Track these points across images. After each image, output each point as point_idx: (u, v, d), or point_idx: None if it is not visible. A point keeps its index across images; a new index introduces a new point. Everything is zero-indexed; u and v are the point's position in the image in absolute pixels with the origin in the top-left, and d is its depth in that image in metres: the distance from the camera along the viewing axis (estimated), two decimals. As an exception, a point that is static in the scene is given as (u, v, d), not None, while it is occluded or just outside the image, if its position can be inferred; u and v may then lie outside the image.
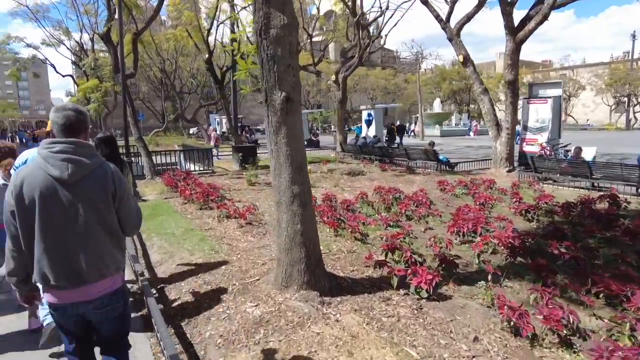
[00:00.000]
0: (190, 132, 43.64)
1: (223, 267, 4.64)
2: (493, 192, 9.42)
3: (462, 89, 70.42)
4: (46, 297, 1.98)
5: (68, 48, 27.21)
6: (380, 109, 22.10)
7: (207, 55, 14.69)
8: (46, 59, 27.79)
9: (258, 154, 15.11)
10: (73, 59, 28.82)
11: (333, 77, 19.63)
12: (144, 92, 43.98)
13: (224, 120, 40.61)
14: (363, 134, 21.96)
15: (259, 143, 29.68)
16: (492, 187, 9.77)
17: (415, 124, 57.96)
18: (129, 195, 2.07)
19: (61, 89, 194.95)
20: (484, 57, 74.32)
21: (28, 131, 46.58)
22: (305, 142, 26.38)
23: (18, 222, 1.86)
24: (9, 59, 25.85)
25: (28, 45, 26.05)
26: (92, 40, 26.79)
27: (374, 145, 17.36)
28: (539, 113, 14.14)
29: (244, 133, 32.82)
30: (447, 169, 14.24)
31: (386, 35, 19.52)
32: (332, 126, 56.37)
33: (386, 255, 4.45)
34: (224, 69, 17.00)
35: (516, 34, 11.86)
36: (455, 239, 5.65)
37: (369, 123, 21.55)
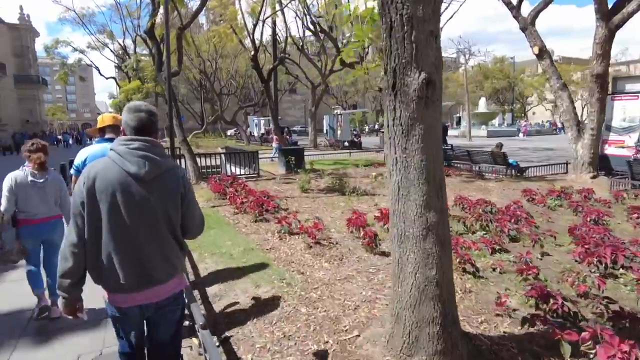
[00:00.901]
0: (228, 133, 43.54)
1: (303, 309, 3.54)
2: (592, 203, 7.89)
3: (505, 88, 67.09)
4: (111, 301, 1.86)
5: (112, 51, 27.49)
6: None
7: (252, 53, 13.86)
8: (91, 62, 28.11)
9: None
10: (116, 61, 29.05)
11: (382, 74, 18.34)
12: (182, 94, 44.27)
13: (262, 122, 40.22)
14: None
15: (298, 145, 28.96)
16: (590, 198, 8.23)
17: (458, 123, 55.58)
18: (194, 199, 2.04)
19: (104, 92, 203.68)
20: (525, 56, 70.23)
21: (74, 133, 48.11)
22: (347, 143, 25.45)
23: (86, 217, 1.76)
24: (55, 64, 26.38)
25: (75, 49, 26.44)
26: (134, 42, 26.88)
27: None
28: (627, 111, 12.31)
29: (284, 135, 32.14)
30: (517, 174, 12.65)
31: (441, 29, 17.91)
32: (370, 127, 55.02)
33: (537, 306, 3.19)
34: (269, 67, 16.12)
35: (610, 18, 10.17)
36: (592, 271, 4.31)
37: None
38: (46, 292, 3.70)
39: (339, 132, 26.45)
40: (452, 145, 20.51)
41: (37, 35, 47.47)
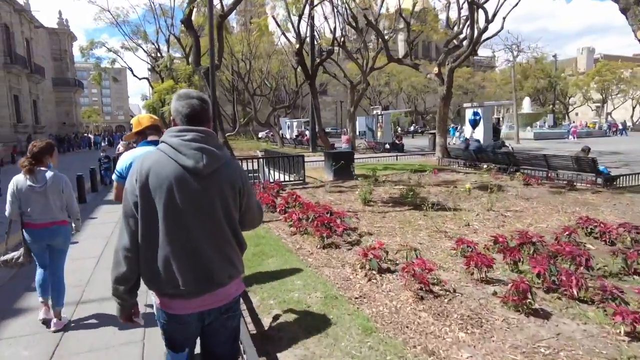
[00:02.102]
0: (260, 135, 42.59)
1: None
2: None
3: (546, 88, 63.45)
4: (166, 308, 1.64)
5: (145, 51, 26.90)
6: (489, 106, 18.53)
7: (297, 46, 12.49)
8: (125, 62, 27.66)
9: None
10: (149, 62, 28.50)
11: (435, 70, 16.59)
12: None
13: (295, 124, 38.99)
14: (465, 136, 18.63)
15: (336, 147, 27.40)
16: None
17: (499, 124, 52.53)
18: (253, 192, 1.84)
19: (136, 95, 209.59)
20: (562, 54, 66.42)
21: (106, 135, 48.44)
22: (388, 146, 23.73)
23: (140, 217, 1.58)
24: (91, 68, 26.11)
25: (109, 50, 25.99)
26: (167, 41, 26.18)
27: (496, 150, 14.02)
28: None
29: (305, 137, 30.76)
30: (607, 183, 10.63)
31: (504, 18, 16.03)
32: (409, 127, 52.96)
33: None
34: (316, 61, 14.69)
35: None
36: None
37: (474, 123, 18.17)
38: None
39: (379, 133, 24.78)
40: (512, 147, 18.49)
41: (74, 39, 48.17)
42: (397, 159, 18.06)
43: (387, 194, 9.27)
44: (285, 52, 29.86)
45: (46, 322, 3.48)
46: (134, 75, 27.99)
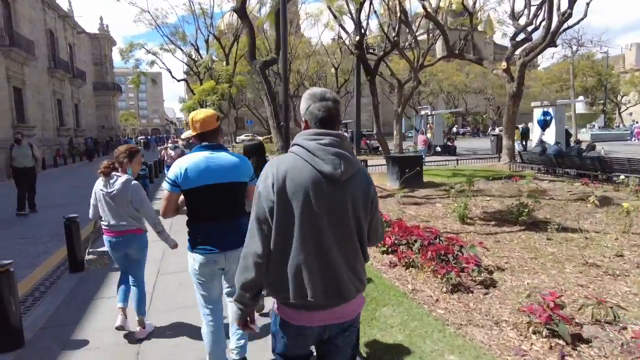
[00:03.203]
0: (295, 138, 41.57)
1: None
2: None
3: (594, 86, 59.39)
4: (290, 319, 1.56)
5: (184, 52, 26.36)
6: (561, 105, 16.55)
7: (357, 38, 11.18)
8: (164, 64, 27.22)
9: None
10: (188, 63, 27.95)
11: (503, 65, 14.86)
12: (249, 99, 43.13)
13: (333, 125, 37.70)
14: (535, 139, 16.73)
15: (379, 151, 25.84)
16: None
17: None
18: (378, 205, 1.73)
19: (171, 99, 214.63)
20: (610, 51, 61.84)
21: (141, 138, 48.69)
22: (439, 148, 22.00)
23: (275, 222, 1.50)
24: (128, 73, 25.99)
25: (148, 52, 25.63)
26: (206, 42, 25.51)
27: (584, 155, 12.16)
28: None
29: (363, 139, 29.29)
30: None
31: (588, 4, 14.11)
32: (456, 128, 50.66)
33: None
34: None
35: None
36: None
37: (543, 124, 16.26)
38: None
39: (428, 135, 23.07)
40: (603, 150, 16.37)
41: (114, 44, 48.90)
42: (457, 163, 16.39)
43: (479, 208, 7.77)
44: (326, 52, 28.67)
45: (121, 329, 3.34)
46: (172, 77, 27.59)
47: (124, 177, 3.23)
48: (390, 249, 5.08)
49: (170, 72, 27.23)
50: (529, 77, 59.65)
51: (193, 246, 2.46)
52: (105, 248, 3.35)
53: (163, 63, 29.10)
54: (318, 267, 1.50)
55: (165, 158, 10.76)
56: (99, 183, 3.24)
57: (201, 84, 23.95)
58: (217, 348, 2.56)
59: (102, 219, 3.25)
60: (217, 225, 2.42)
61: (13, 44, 24.81)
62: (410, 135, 29.11)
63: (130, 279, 3.40)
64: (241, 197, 2.52)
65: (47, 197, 11.25)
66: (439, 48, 45.99)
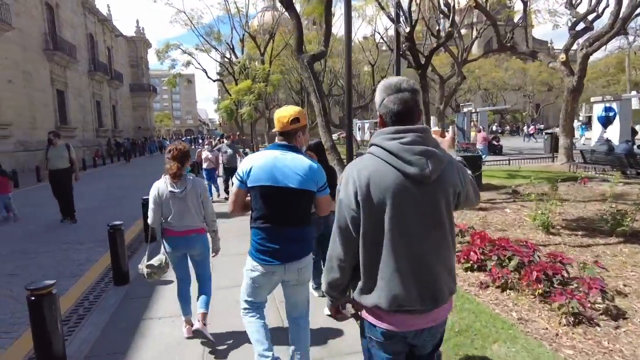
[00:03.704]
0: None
1: None
2: None
3: (647, 81, 55.52)
4: (384, 322, 1.50)
5: (219, 51, 26.26)
6: (627, 100, 15.11)
7: (407, 29, 10.43)
8: (199, 64, 27.25)
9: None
10: (223, 63, 27.86)
11: (562, 57, 13.66)
12: (281, 99, 42.89)
13: (367, 125, 36.87)
14: (594, 137, 15.39)
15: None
16: None
17: (586, 124, 46.48)
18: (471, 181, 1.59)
19: (204, 100, 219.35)
20: None
21: (175, 140, 49.36)
22: (484, 147, 20.79)
23: (362, 231, 1.46)
24: (163, 75, 26.21)
25: (184, 52, 25.70)
26: (241, 41, 25.27)
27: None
28: None
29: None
30: None
31: None
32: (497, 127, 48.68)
33: None
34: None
35: None
36: None
37: (605, 121, 14.91)
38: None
39: (472, 133, 21.89)
40: None
41: (149, 46, 49.95)
42: (509, 164, 15.28)
43: (555, 214, 6.87)
44: (362, 48, 27.90)
45: (200, 334, 3.19)
46: (208, 77, 27.55)
47: (192, 176, 3.21)
48: (476, 266, 4.34)
49: (206, 72, 27.13)
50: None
51: (253, 252, 2.32)
52: (160, 258, 3.22)
53: (198, 63, 29.24)
54: (412, 272, 1.43)
55: (202, 160, 10.09)
56: (164, 185, 3.10)
57: (236, 84, 23.72)
58: (262, 346, 2.39)
59: (166, 220, 3.12)
60: (276, 232, 2.25)
61: (57, 48, 25.51)
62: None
63: (197, 278, 3.35)
64: (306, 206, 2.31)
65: (87, 199, 11.12)
66: (475, 44, 44.32)
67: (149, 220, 3.17)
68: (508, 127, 56.08)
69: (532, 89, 53.81)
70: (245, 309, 2.46)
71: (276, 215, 2.24)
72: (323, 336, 3.19)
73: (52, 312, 2.74)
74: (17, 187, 14.12)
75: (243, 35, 25.00)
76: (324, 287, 1.64)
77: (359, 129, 36.87)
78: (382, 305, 1.45)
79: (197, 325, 3.18)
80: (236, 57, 25.27)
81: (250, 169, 2.26)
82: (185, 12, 25.52)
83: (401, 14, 11.30)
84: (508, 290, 3.81)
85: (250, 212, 2.35)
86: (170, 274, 3.46)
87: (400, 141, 1.40)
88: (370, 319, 1.53)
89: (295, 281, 2.37)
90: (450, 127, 18.39)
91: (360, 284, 1.50)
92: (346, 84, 5.02)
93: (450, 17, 13.20)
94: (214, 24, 61.02)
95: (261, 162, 2.25)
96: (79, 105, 29.96)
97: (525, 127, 41.22)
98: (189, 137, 59.47)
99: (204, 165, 10.08)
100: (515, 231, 5.99)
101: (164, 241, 3.21)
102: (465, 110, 23.50)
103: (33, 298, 2.66)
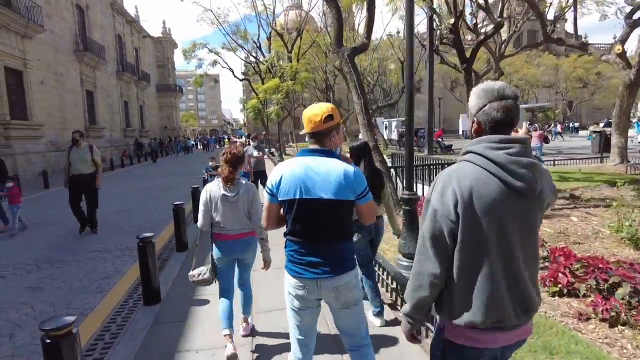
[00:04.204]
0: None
1: None
2: None
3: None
4: (472, 340, 1.42)
5: (245, 50, 25.93)
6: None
7: (451, 21, 9.69)
8: (226, 63, 27.02)
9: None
10: (250, 62, 27.54)
11: (618, 49, 12.55)
12: (304, 99, 42.44)
13: (394, 124, 35.92)
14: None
15: (453, 149, 23.86)
16: None
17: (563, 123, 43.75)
18: None
19: (228, 101, 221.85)
20: None
21: (201, 140, 49.39)
22: (541, 145, 19.61)
23: (460, 243, 1.37)
24: (188, 76, 26.08)
25: (211, 51, 25.46)
26: (269, 39, 24.88)
27: None
28: None
29: (415, 138, 27.47)
30: None
31: None
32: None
33: None
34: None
35: None
36: None
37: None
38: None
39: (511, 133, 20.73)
40: None
41: (175, 46, 50.40)
42: (554, 165, 14.24)
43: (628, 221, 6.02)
44: (391, 45, 27.08)
45: (234, 358, 2.97)
46: (234, 76, 27.28)
47: (245, 180, 3.17)
48: (565, 291, 3.63)
49: (232, 71, 26.80)
50: (611, 68, 53.59)
51: (287, 264, 2.11)
52: (208, 266, 3.14)
53: (225, 62, 28.92)
54: (508, 287, 1.38)
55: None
56: (216, 188, 3.06)
57: (262, 83, 23.34)
58: None
59: (217, 224, 3.07)
60: (311, 247, 2.02)
61: (86, 49, 25.77)
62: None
63: (239, 282, 3.31)
64: (345, 218, 2.04)
65: (114, 201, 10.83)
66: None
67: (199, 224, 3.09)
68: (537, 126, 53.88)
69: (565, 85, 51.50)
70: (292, 331, 2.18)
71: (310, 230, 2.01)
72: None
73: (72, 355, 2.21)
74: (47, 188, 14.08)
75: (270, 33, 24.58)
76: (407, 308, 1.52)
77: (385, 128, 36.01)
78: (477, 322, 1.37)
79: (241, 330, 3.31)
80: (263, 56, 24.88)
81: (280, 180, 2.04)
82: (212, 11, 25.32)
83: (438, 6, 10.60)
84: (620, 326, 3.08)
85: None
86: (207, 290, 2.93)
87: (508, 152, 1.34)
88: (458, 338, 1.44)
89: (335, 302, 2.07)
90: (524, 124, 17.34)
91: (449, 299, 1.43)
92: (407, 72, 4.39)
93: (499, 6, 12.32)
94: (240, 23, 61.19)
95: (291, 172, 2.02)
96: (107, 105, 30.28)
97: (552, 126, 39.39)
98: (213, 137, 59.72)
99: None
100: (593, 244, 5.20)
101: (213, 246, 3.11)
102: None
103: (49, 340, 2.13)
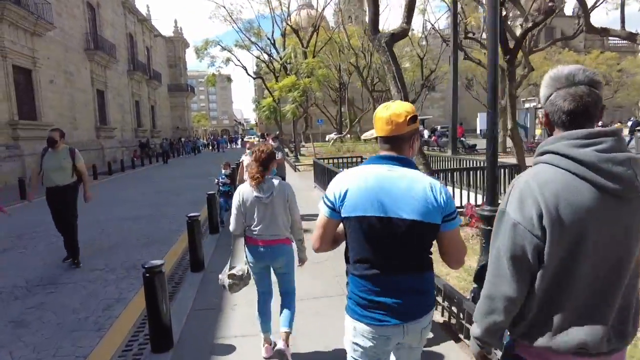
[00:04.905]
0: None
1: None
2: None
3: None
4: None
5: (259, 47, 25.13)
6: None
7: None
8: (239, 60, 26.23)
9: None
10: (263, 60, 26.78)
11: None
12: (317, 97, 41.62)
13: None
14: None
15: (477, 149, 22.72)
16: None
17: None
18: None
19: (239, 101, 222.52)
20: None
21: (212, 140, 48.64)
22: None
23: (547, 261, 1.17)
24: (200, 76, 25.51)
25: (223, 49, 24.70)
26: (283, 36, 24.05)
27: None
28: None
29: (433, 137, 26.41)
30: None
31: None
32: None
33: None
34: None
35: None
36: None
37: None
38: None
39: (537, 132, 19.67)
40: None
41: (187, 46, 49.97)
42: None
43: None
44: (410, 41, 26.03)
45: (281, 356, 2.89)
46: (248, 74, 26.55)
47: (278, 179, 2.96)
48: None
49: (246, 69, 26.11)
50: (634, 64, 51.64)
51: (355, 309, 1.65)
52: (242, 268, 2.97)
53: (238, 60, 28.00)
54: (599, 307, 1.19)
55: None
56: (249, 190, 2.88)
57: (277, 81, 22.50)
58: None
59: (249, 227, 2.91)
60: (388, 280, 1.59)
61: (97, 48, 25.26)
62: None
63: (281, 290, 3.09)
64: (427, 244, 1.62)
65: (122, 206, 10.05)
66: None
67: (231, 227, 2.95)
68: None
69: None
70: None
71: (386, 258, 1.60)
72: None
73: None
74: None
75: (284, 29, 23.76)
76: (478, 332, 1.33)
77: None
78: (559, 347, 1.20)
79: (280, 345, 2.91)
80: (278, 53, 24.05)
81: (346, 192, 1.65)
82: (224, 7, 24.59)
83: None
84: None
85: (336, 244, 1.83)
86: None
87: (597, 148, 1.14)
88: (533, 358, 1.27)
89: (415, 343, 1.75)
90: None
91: (525, 323, 1.26)
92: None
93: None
94: (253, 20, 60.46)
95: (361, 183, 1.64)
96: (118, 105, 29.80)
97: None
98: (224, 138, 59.12)
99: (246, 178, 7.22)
100: None
101: (246, 249, 2.97)
102: (528, 105, 21.19)
103: None
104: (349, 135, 35.43)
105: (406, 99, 6.39)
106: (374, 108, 28.11)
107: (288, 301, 3.05)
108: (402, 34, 6.60)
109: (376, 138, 1.72)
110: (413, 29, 34.69)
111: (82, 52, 24.02)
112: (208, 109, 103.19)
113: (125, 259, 5.61)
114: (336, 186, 1.69)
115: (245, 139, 13.43)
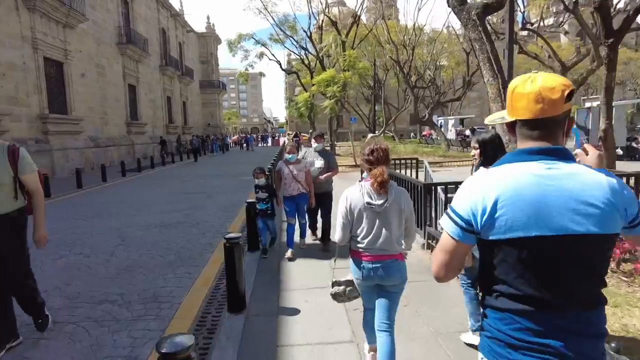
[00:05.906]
0: (405, 135, 37.49)
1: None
2: None
3: None
4: None
5: (294, 40, 23.95)
6: None
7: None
8: (273, 55, 25.16)
9: None
10: (298, 54, 25.62)
11: None
12: (348, 96, 40.12)
13: (450, 123, 32.86)
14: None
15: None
16: None
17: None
18: None
19: (268, 100, 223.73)
20: None
21: (241, 139, 47.78)
22: (620, 151, 16.39)
23: None
24: (232, 74, 24.73)
25: (257, 42, 23.68)
26: (320, 28, 22.80)
27: None
28: None
29: (457, 137, 24.49)
30: None
31: None
32: None
33: None
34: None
35: None
36: None
37: None
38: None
39: (600, 133, 17.47)
40: None
41: (219, 42, 49.54)
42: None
43: None
44: (456, 35, 24.25)
45: None
46: (282, 69, 25.49)
47: (394, 183, 2.53)
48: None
49: (280, 64, 25.10)
50: (632, 58, 46.50)
51: (502, 350, 1.19)
52: (348, 281, 2.64)
53: (272, 54, 26.92)
54: None
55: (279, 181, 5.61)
56: (358, 195, 2.44)
57: (311, 76, 21.23)
58: None
59: (355, 239, 2.49)
60: (553, 319, 1.12)
61: (130, 42, 24.77)
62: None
63: (378, 320, 2.53)
64: (605, 264, 1.20)
65: (148, 210, 8.98)
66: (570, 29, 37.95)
67: (336, 237, 2.55)
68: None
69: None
70: None
71: (552, 291, 1.12)
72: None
73: None
74: (80, 188, 12.63)
75: (322, 22, 22.48)
76: None
77: (440, 126, 33.02)
78: None
79: None
80: (314, 47, 22.79)
81: (494, 206, 1.13)
82: (260, -1, 23.59)
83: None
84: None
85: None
86: None
87: None
88: None
89: None
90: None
91: None
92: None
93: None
94: (288, 13, 59.42)
95: (514, 190, 1.13)
96: (150, 100, 29.35)
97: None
98: (252, 135, 58.42)
99: (288, 190, 5.33)
100: None
101: (352, 263, 2.58)
102: (589, 105, 19.02)
103: None
104: (382, 135, 33.80)
105: (504, 86, 4.94)
106: (415, 106, 26.33)
107: (388, 339, 2.46)
108: (498, 4, 5.13)
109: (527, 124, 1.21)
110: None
111: (115, 45, 23.54)
112: (238, 107, 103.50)
113: (144, 286, 4.42)
114: (474, 195, 1.19)
115: (299, 135, 12.27)
